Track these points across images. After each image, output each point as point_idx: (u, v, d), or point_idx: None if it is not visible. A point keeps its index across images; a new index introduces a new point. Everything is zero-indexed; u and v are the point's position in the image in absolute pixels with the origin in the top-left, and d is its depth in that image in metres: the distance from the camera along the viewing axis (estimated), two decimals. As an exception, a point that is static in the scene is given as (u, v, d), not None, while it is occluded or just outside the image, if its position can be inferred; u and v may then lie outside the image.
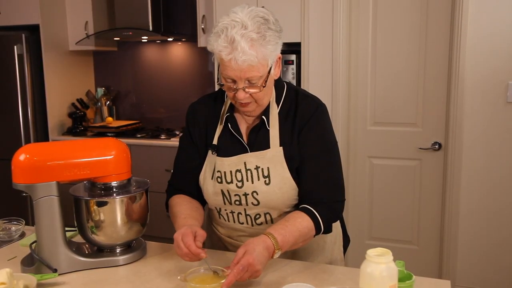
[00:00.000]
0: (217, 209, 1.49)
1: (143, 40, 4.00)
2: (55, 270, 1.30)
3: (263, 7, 3.24)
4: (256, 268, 1.19)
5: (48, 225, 1.32)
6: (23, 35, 3.61)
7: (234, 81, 1.30)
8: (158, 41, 4.00)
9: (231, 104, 1.45)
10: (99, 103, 4.09)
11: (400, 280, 1.09)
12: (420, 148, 2.97)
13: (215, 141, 1.46)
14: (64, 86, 3.94)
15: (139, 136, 3.69)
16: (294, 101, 1.44)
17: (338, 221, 1.61)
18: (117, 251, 1.42)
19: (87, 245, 1.46)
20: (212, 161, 1.45)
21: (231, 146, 1.43)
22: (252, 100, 1.35)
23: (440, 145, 2.92)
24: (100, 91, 4.12)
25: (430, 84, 2.90)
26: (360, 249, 3.05)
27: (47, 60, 3.72)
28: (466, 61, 2.70)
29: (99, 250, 1.43)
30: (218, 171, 1.43)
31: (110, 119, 3.99)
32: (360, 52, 3.03)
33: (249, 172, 1.40)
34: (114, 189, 1.39)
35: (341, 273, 1.33)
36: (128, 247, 1.45)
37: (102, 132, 3.80)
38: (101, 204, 1.36)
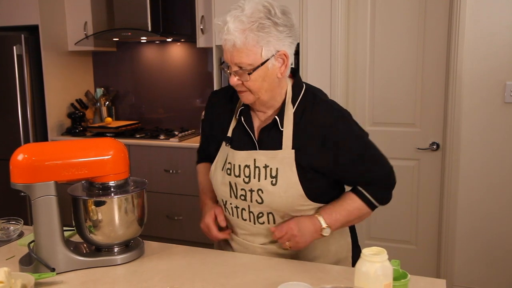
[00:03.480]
0: (223, 202, 1.49)
1: (142, 41, 4.01)
2: (53, 269, 1.31)
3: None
4: (294, 233, 1.33)
5: (46, 224, 1.33)
6: (22, 36, 3.62)
7: (229, 66, 1.33)
8: (157, 42, 4.01)
9: None
10: (98, 104, 4.09)
11: (396, 279, 1.10)
12: (418, 148, 2.98)
13: (229, 133, 1.46)
14: (63, 87, 3.94)
15: (138, 136, 3.70)
16: (310, 104, 1.41)
17: (348, 229, 1.59)
18: (115, 251, 1.42)
19: (85, 245, 1.47)
20: (225, 152, 1.46)
21: (243, 141, 1.43)
22: (246, 90, 1.35)
23: (438, 145, 2.93)
24: (99, 91, 4.13)
25: (428, 84, 2.90)
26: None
27: (46, 60, 3.73)
28: (464, 61, 2.71)
29: (97, 250, 1.44)
30: (229, 163, 1.44)
31: (109, 119, 4.00)
32: (358, 52, 3.04)
33: (257, 169, 1.39)
34: (112, 189, 1.39)
35: (337, 272, 1.33)
36: (126, 246, 1.46)
37: (101, 133, 3.81)
38: (99, 204, 1.36)
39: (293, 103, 1.40)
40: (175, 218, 3.53)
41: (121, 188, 1.41)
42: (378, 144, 3.07)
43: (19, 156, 1.29)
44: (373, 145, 1.47)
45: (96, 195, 1.38)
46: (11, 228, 1.64)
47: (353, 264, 1.54)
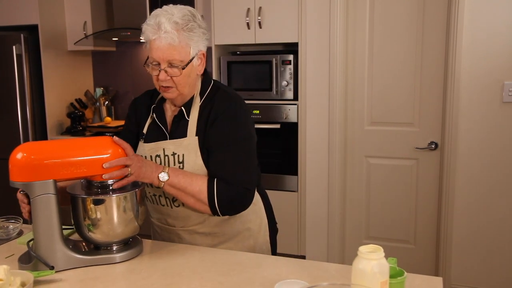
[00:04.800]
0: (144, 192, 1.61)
1: (141, 40, 4.01)
2: (52, 268, 1.32)
3: (260, 7, 3.26)
4: (138, 164, 1.37)
5: (45, 223, 1.33)
6: (22, 35, 3.63)
7: (159, 64, 1.45)
8: (157, 41, 4.01)
9: (162, 97, 1.60)
10: (98, 103, 4.10)
11: (392, 276, 1.10)
12: (416, 148, 2.98)
13: (144, 130, 1.62)
14: (62, 86, 3.95)
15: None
16: (214, 95, 1.56)
17: (264, 211, 1.70)
18: (114, 249, 1.43)
19: (84, 243, 1.47)
20: (140, 147, 1.61)
21: (156, 134, 1.58)
22: (173, 85, 1.48)
23: (436, 144, 2.94)
24: (99, 91, 4.14)
25: (427, 84, 2.91)
26: (357, 248, 3.05)
27: (45, 60, 3.74)
28: (462, 61, 2.72)
29: (96, 248, 1.44)
30: (141, 155, 1.55)
31: (108, 119, 4.01)
32: (357, 52, 3.04)
33: (166, 157, 1.54)
34: (111, 187, 1.40)
35: (335, 270, 1.34)
36: (124, 244, 1.46)
37: (100, 132, 3.82)
38: (97, 202, 1.37)
39: (201, 96, 1.56)
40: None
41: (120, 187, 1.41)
42: (377, 143, 3.10)
43: (18, 154, 1.30)
44: (249, 149, 1.54)
45: (95, 194, 1.39)
46: (11, 226, 1.65)
47: (273, 243, 1.72)
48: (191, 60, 1.46)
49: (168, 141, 1.54)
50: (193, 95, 1.56)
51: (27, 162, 1.30)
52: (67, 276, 1.32)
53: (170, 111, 1.61)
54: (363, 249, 1.04)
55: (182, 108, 1.54)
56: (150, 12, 3.58)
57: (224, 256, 1.45)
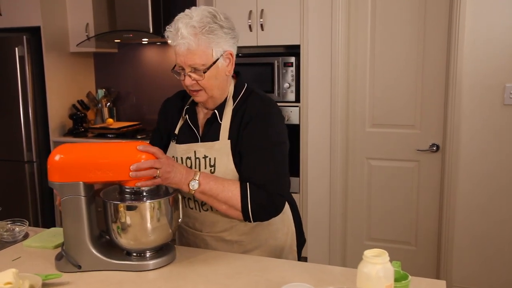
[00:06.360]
0: None
1: (143, 42, 4.02)
2: (79, 267, 1.36)
3: (262, 10, 3.27)
4: (167, 169, 1.33)
5: (74, 223, 1.36)
6: (24, 37, 3.64)
7: (183, 69, 1.45)
8: (159, 43, 4.03)
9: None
10: (100, 105, 4.11)
11: (397, 280, 1.12)
12: (418, 150, 3.00)
13: (176, 131, 1.61)
14: (65, 88, 3.96)
15: (139, 137, 3.72)
16: (246, 98, 1.55)
17: (292, 220, 1.68)
18: (147, 256, 1.40)
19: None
20: (171, 148, 1.60)
21: (187, 136, 1.58)
22: (201, 89, 1.47)
23: (438, 146, 2.95)
24: (101, 92, 4.15)
25: (428, 86, 2.92)
26: (358, 250, 3.07)
27: (48, 61, 3.74)
28: (464, 63, 2.73)
29: (128, 253, 1.42)
30: (173, 157, 1.55)
31: (110, 120, 4.02)
32: (359, 54, 3.06)
33: (197, 160, 1.52)
34: (144, 193, 1.37)
35: (339, 273, 1.35)
36: (156, 252, 1.43)
37: (102, 133, 3.82)
38: (129, 208, 1.34)
39: (234, 99, 1.55)
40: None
41: (152, 193, 1.38)
42: (378, 145, 3.11)
43: (56, 156, 1.33)
44: (282, 154, 1.51)
45: (129, 200, 1.36)
46: (17, 229, 1.66)
47: (298, 254, 1.69)
48: (214, 62, 1.44)
49: (200, 143, 1.53)
50: (226, 98, 1.54)
51: (58, 163, 1.33)
52: (75, 279, 1.33)
53: (202, 114, 1.60)
54: (368, 253, 1.06)
55: (215, 111, 1.53)
56: (152, 13, 3.65)
57: (229, 259, 1.46)
